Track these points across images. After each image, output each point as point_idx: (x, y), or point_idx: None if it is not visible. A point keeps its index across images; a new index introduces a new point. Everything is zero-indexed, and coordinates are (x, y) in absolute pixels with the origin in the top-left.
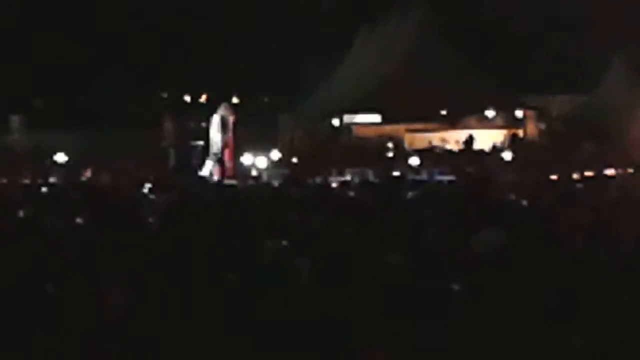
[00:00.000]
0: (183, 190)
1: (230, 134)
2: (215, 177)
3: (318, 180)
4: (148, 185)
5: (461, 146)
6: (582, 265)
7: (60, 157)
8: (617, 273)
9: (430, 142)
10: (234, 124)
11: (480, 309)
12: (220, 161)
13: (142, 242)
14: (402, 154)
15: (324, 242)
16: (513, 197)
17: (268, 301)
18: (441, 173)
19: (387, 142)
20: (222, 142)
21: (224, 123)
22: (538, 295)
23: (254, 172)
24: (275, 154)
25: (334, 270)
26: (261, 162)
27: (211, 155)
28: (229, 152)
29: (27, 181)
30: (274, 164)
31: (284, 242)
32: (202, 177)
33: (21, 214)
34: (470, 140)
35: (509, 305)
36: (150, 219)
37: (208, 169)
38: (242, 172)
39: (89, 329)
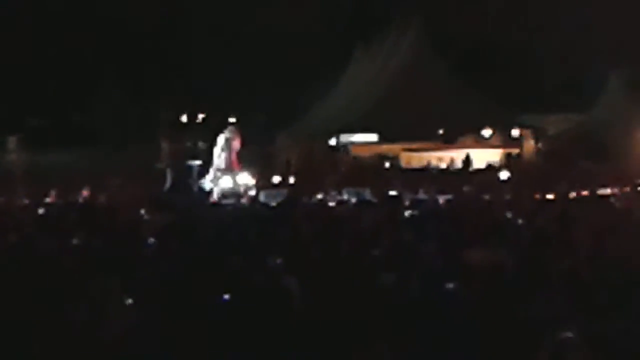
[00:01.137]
0: (180, 211)
1: (233, 155)
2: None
3: (315, 199)
4: (145, 206)
5: (458, 165)
6: (576, 283)
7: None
8: (612, 291)
9: (427, 162)
10: (241, 146)
11: (476, 326)
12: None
13: (139, 263)
14: (399, 173)
15: (319, 262)
16: (509, 215)
17: (264, 320)
18: (438, 192)
19: (383, 161)
20: (225, 162)
21: (228, 142)
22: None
23: (251, 192)
24: (276, 179)
25: (329, 290)
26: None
27: (212, 173)
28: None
29: (25, 201)
30: (271, 184)
31: (279, 261)
32: (201, 195)
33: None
34: (467, 160)
35: (503, 323)
36: (148, 239)
37: (208, 185)
38: (237, 191)
39: (85, 348)
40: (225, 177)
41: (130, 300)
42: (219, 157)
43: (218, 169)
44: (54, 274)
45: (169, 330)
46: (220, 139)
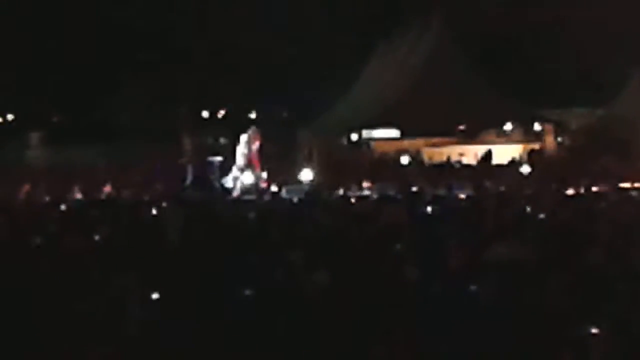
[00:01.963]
0: (202, 206)
1: (253, 153)
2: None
3: (337, 195)
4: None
5: (479, 160)
6: (598, 276)
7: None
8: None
9: (448, 157)
10: (260, 146)
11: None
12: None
13: (162, 258)
14: (421, 168)
15: (341, 257)
16: (531, 210)
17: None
18: (460, 187)
19: (405, 156)
20: (246, 159)
21: (249, 141)
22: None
23: (273, 188)
24: (307, 174)
25: (351, 284)
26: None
27: (235, 169)
28: (257, 168)
29: (47, 198)
30: (293, 180)
31: (301, 256)
32: (222, 191)
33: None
34: (488, 155)
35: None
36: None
37: (231, 180)
38: (258, 187)
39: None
40: (246, 173)
41: (155, 295)
42: (240, 155)
43: (239, 167)
44: (78, 269)
45: (192, 325)
46: (242, 139)
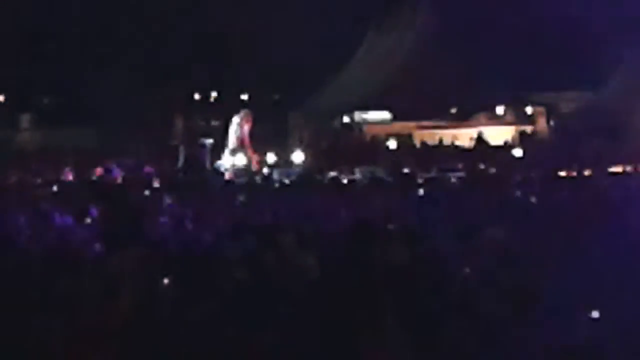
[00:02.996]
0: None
1: (245, 135)
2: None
3: (329, 177)
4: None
5: (472, 143)
6: (587, 259)
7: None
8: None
9: (440, 139)
10: (252, 128)
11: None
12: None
13: (153, 240)
14: (412, 151)
15: (332, 239)
16: (522, 193)
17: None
18: (452, 170)
19: (392, 140)
20: (238, 141)
21: (240, 123)
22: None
23: (264, 170)
24: (299, 156)
25: (341, 268)
26: (271, 159)
27: (227, 151)
28: (249, 149)
29: (38, 180)
30: (284, 162)
31: (292, 239)
32: (214, 173)
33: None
34: (480, 137)
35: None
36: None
37: (225, 161)
38: (250, 169)
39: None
40: (238, 155)
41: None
42: (232, 138)
43: (231, 149)
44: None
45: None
46: (234, 121)
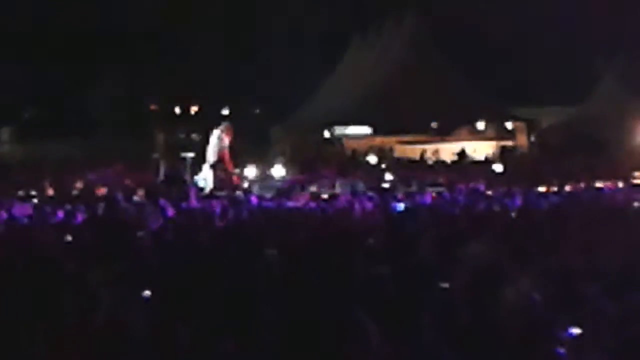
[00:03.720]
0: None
1: (225, 150)
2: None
3: (309, 191)
4: (138, 196)
5: (453, 157)
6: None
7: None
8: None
9: (422, 153)
10: (230, 143)
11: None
12: (226, 171)
13: (136, 253)
14: (393, 165)
15: (313, 253)
16: (501, 208)
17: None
18: (432, 185)
19: (377, 153)
20: (217, 155)
21: (220, 137)
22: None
23: (244, 184)
24: (279, 170)
25: (322, 280)
26: (251, 173)
27: (206, 165)
28: (229, 164)
29: (20, 193)
30: (264, 176)
31: (273, 253)
32: (194, 188)
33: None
34: (462, 153)
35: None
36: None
37: (203, 177)
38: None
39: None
40: (218, 169)
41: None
42: (212, 152)
43: (210, 163)
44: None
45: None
46: (214, 135)
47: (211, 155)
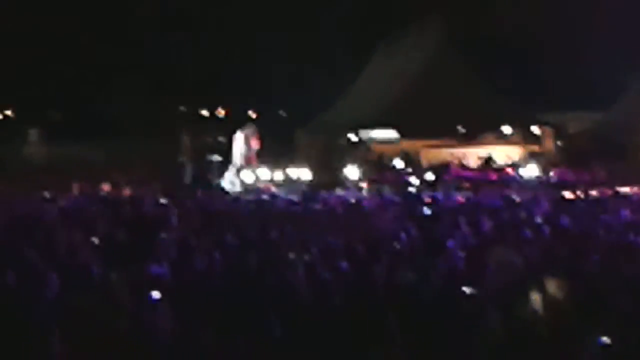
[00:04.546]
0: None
1: (252, 153)
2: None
3: (335, 195)
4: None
5: (479, 163)
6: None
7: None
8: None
9: (448, 159)
10: (259, 145)
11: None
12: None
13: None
14: (419, 170)
15: (340, 258)
16: (528, 214)
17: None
18: (458, 189)
19: (403, 157)
20: (245, 158)
21: (247, 140)
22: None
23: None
24: (306, 173)
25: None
26: (279, 177)
27: (232, 168)
28: (256, 167)
29: (46, 194)
30: (290, 180)
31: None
32: (221, 190)
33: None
34: (489, 158)
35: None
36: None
37: (229, 180)
38: (257, 187)
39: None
40: (246, 173)
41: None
42: (238, 154)
43: (237, 166)
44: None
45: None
46: (239, 137)
47: (238, 158)
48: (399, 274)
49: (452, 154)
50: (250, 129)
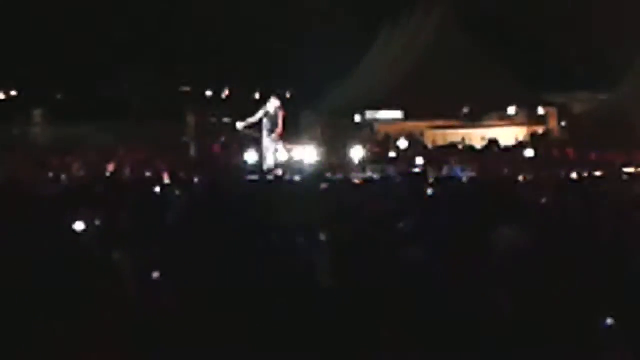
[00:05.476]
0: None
1: (279, 128)
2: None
3: (339, 176)
4: (168, 180)
5: (483, 143)
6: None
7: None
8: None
9: (452, 142)
10: (284, 118)
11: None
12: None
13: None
14: (424, 151)
15: (344, 239)
16: (533, 194)
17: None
18: (463, 170)
19: (408, 138)
20: (277, 134)
21: (277, 115)
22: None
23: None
24: (312, 153)
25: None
26: (282, 157)
27: (271, 145)
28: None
29: (50, 174)
30: (295, 160)
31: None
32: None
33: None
34: (494, 140)
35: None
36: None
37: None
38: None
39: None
40: (280, 149)
41: (157, 274)
42: (268, 125)
43: (273, 140)
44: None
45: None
46: (269, 109)
47: (269, 128)
48: (403, 252)
49: (456, 135)
50: (276, 102)
